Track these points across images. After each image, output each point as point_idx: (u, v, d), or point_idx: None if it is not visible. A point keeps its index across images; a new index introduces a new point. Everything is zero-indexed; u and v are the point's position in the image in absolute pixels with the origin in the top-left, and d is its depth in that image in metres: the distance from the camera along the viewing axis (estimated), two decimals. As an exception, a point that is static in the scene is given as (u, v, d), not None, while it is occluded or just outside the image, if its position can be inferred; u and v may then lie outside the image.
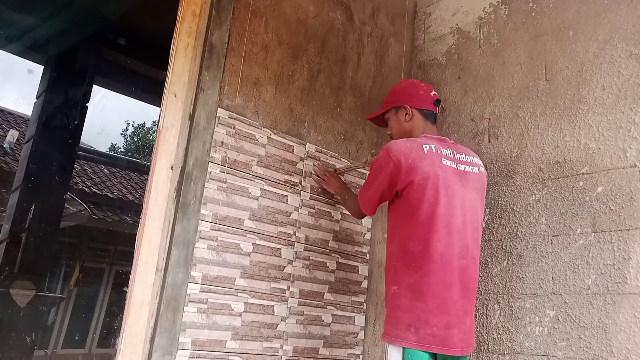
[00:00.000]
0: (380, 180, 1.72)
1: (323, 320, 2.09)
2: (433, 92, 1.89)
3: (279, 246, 1.99)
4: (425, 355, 1.56)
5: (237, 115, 1.95)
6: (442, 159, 1.70)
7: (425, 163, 1.66)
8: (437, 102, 1.89)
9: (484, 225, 2.10)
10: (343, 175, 2.26)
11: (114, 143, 14.70)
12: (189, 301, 1.72)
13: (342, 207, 2.23)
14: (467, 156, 1.80)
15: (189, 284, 1.72)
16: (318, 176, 2.18)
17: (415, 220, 1.64)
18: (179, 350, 1.67)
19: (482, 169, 1.84)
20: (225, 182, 1.87)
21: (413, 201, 1.65)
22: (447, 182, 1.67)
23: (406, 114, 1.86)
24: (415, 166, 1.65)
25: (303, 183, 2.13)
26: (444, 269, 1.60)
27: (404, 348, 1.57)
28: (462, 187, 1.71)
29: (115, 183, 7.97)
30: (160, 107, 1.85)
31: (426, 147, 1.70)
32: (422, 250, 1.61)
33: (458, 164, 1.74)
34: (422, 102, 1.85)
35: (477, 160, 1.84)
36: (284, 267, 2.00)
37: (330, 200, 2.21)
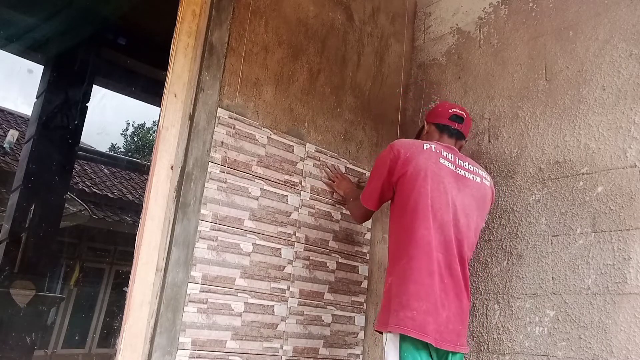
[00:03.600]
0: (381, 172, 1.81)
1: (323, 320, 2.09)
2: (453, 110, 1.96)
3: (279, 246, 1.99)
4: (420, 347, 1.58)
5: (237, 115, 1.95)
6: (440, 158, 1.78)
7: (421, 157, 1.75)
8: (455, 117, 1.93)
9: (480, 232, 2.08)
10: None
11: (114, 143, 14.66)
12: (189, 301, 1.72)
13: (342, 207, 2.23)
14: (470, 165, 1.87)
15: (189, 284, 1.72)
16: (329, 178, 2.20)
17: (406, 211, 1.72)
18: (179, 350, 1.67)
19: (487, 182, 1.88)
20: (225, 182, 1.87)
21: (405, 192, 1.73)
22: (439, 179, 1.73)
23: (423, 127, 2.05)
24: (412, 159, 1.74)
25: (303, 183, 2.12)
26: (428, 255, 1.64)
27: (400, 340, 1.58)
28: (455, 188, 1.76)
29: (115, 183, 7.96)
30: (160, 107, 1.85)
31: (426, 145, 1.80)
32: (409, 236, 1.68)
33: (457, 168, 1.81)
34: (438, 118, 1.97)
35: (482, 173, 1.89)
36: (284, 267, 2.00)
37: (330, 200, 2.21)
